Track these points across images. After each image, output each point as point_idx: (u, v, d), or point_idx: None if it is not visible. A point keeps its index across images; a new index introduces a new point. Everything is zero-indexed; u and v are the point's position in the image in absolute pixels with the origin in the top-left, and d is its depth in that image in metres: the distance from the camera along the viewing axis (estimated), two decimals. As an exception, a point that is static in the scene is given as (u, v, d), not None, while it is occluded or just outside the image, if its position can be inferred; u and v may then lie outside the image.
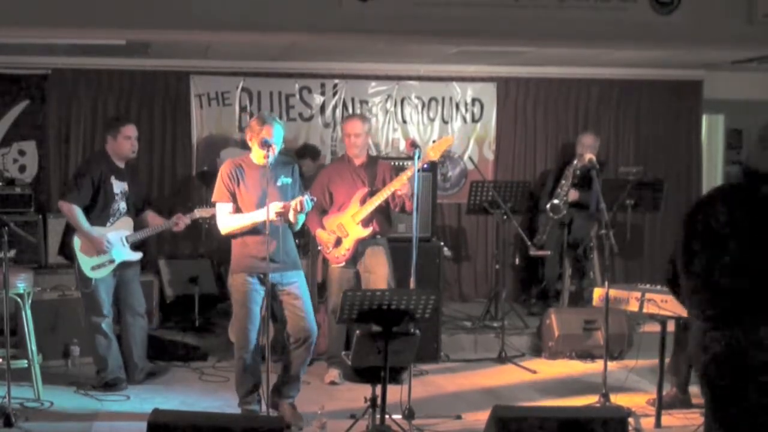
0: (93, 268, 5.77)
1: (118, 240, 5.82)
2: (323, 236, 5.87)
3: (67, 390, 5.86)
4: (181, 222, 5.92)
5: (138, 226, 5.98)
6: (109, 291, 5.85)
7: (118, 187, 5.84)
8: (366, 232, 5.83)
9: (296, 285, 5.14)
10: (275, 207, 4.87)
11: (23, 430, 5.02)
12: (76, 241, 5.78)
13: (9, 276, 5.25)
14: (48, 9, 5.29)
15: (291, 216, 4.98)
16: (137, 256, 5.98)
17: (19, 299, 5.57)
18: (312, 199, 4.96)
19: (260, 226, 4.97)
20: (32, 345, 5.63)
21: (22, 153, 7.81)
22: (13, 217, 6.06)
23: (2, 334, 5.40)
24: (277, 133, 5.00)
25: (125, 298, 5.99)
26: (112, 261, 5.81)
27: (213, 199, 5.17)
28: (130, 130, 5.91)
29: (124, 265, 5.89)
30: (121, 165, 5.91)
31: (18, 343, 5.83)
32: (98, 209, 5.77)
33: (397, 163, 6.40)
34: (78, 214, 5.71)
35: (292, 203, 4.94)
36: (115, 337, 5.93)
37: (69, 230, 5.88)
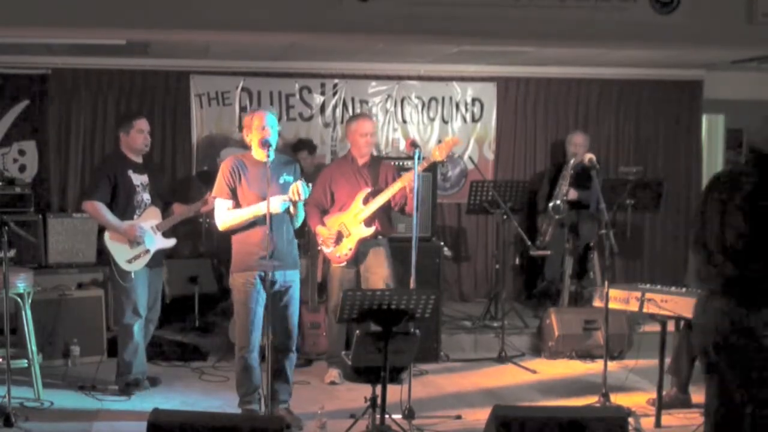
0: (129, 261, 5.70)
1: (149, 229, 5.76)
2: (323, 232, 5.86)
3: (67, 390, 5.86)
4: (211, 200, 5.65)
5: (166, 217, 5.93)
6: (145, 288, 5.77)
7: (138, 179, 5.80)
8: (369, 231, 5.82)
9: (294, 285, 5.15)
10: (276, 200, 4.86)
11: (23, 429, 5.02)
12: (107, 237, 5.72)
13: (9, 276, 5.25)
14: (48, 9, 5.28)
15: (291, 208, 4.99)
16: (171, 242, 5.91)
17: (19, 299, 5.57)
18: (308, 184, 4.95)
19: (261, 223, 4.97)
20: (32, 345, 5.63)
21: (22, 153, 7.81)
22: (13, 217, 6.05)
23: (2, 334, 5.40)
24: (270, 121, 5.01)
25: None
26: (147, 251, 5.74)
27: (213, 195, 5.17)
28: (143, 124, 5.88)
29: (155, 261, 5.83)
30: (138, 160, 5.87)
31: (18, 343, 5.82)
32: (122, 203, 5.73)
33: (397, 163, 6.40)
34: (103, 209, 5.68)
35: (289, 191, 4.91)
36: (143, 340, 5.87)
37: (100, 233, 5.85)
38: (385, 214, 5.95)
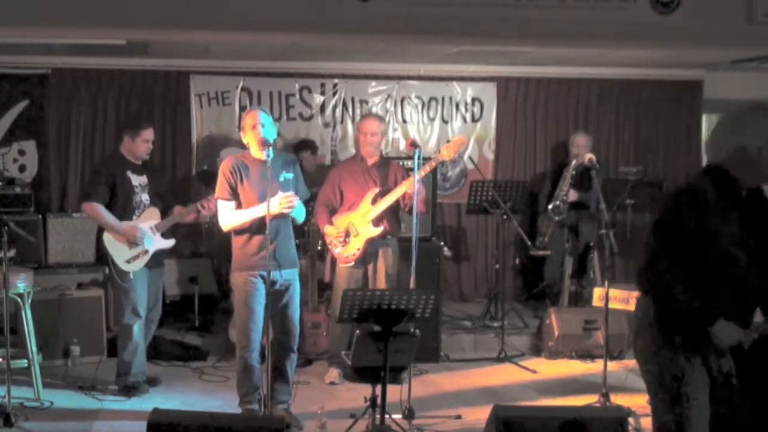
0: (128, 261, 5.71)
1: (148, 229, 5.76)
2: (331, 232, 5.86)
3: (67, 390, 5.86)
4: (209, 204, 5.67)
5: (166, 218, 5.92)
6: (145, 288, 5.77)
7: (136, 180, 5.81)
8: (377, 231, 5.82)
9: (294, 283, 5.16)
10: (277, 198, 4.87)
11: (23, 429, 5.02)
12: (106, 237, 5.72)
13: (9, 276, 5.26)
14: (48, 9, 5.28)
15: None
16: (170, 243, 5.91)
17: (19, 299, 5.57)
18: (308, 189, 5.02)
19: (261, 224, 4.97)
20: (32, 345, 5.63)
21: (22, 153, 7.81)
22: (13, 217, 6.05)
23: (2, 334, 5.40)
24: (262, 118, 5.03)
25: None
26: (146, 252, 5.74)
27: (216, 196, 5.18)
28: (149, 134, 5.89)
29: (155, 261, 5.83)
30: (137, 161, 5.88)
31: (18, 343, 5.83)
32: (121, 203, 5.73)
33: (399, 164, 6.38)
34: (102, 210, 5.69)
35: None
36: (143, 341, 5.87)
37: (99, 233, 5.84)
38: (393, 215, 5.94)
